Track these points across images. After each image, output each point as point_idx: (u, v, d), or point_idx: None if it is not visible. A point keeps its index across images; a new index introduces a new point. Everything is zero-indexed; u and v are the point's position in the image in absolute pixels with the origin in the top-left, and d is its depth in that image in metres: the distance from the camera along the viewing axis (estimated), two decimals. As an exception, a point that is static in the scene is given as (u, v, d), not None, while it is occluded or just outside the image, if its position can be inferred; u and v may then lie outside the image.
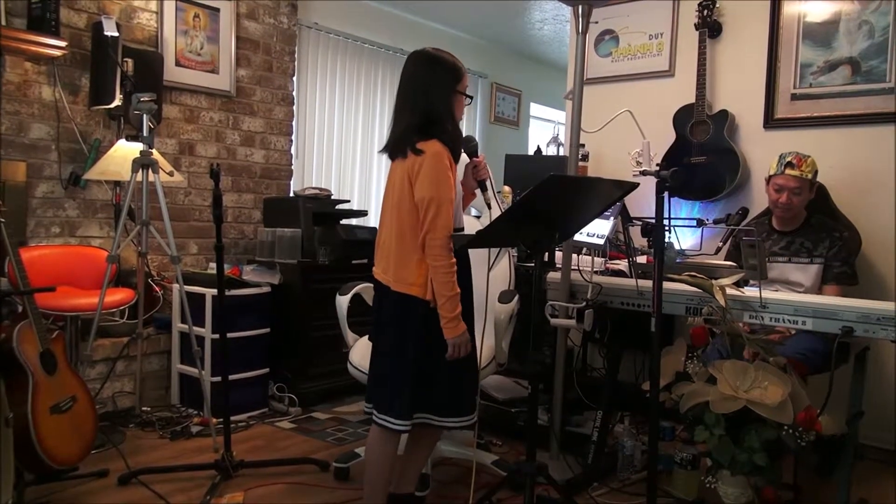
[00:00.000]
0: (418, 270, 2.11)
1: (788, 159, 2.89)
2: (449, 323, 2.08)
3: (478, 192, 2.38)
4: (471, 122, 6.60)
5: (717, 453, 2.29)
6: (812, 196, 2.93)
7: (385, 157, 2.25)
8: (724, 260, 3.05)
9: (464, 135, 2.30)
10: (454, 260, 2.08)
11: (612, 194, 2.30)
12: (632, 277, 2.78)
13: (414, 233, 2.10)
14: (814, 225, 2.96)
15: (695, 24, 3.70)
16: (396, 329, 2.17)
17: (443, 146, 2.09)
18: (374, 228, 4.24)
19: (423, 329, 2.12)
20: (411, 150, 2.08)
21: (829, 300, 2.44)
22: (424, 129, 2.10)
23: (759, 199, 3.40)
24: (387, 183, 2.23)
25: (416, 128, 2.11)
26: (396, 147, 2.15)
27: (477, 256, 2.84)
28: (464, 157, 2.33)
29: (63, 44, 3.33)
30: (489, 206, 2.35)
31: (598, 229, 2.71)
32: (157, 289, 3.74)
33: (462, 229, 2.28)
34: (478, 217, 3.09)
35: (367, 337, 2.80)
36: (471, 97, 2.25)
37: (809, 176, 2.86)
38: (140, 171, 3.08)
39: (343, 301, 2.85)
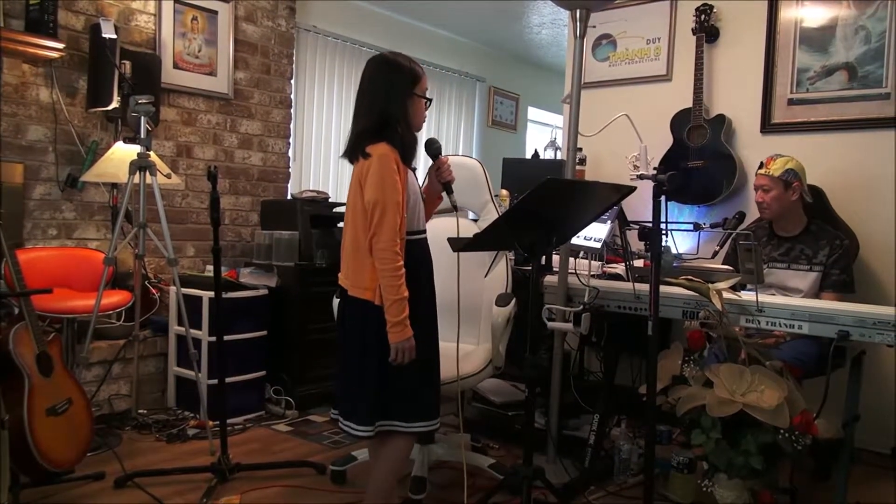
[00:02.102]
0: (371, 275, 2.10)
1: (761, 161, 2.97)
2: (394, 327, 2.07)
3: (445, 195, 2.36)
4: (468, 126, 6.61)
5: (714, 457, 2.30)
6: (793, 195, 2.91)
7: None
8: (722, 264, 3.06)
9: (431, 137, 2.31)
10: (401, 263, 2.07)
11: (609, 198, 2.31)
12: (629, 281, 2.78)
13: (366, 237, 2.10)
14: (814, 232, 2.96)
15: (692, 29, 3.71)
16: (355, 334, 2.17)
17: (390, 148, 2.09)
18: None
19: (381, 334, 2.10)
20: (361, 154, 2.10)
21: (826, 304, 2.45)
22: (376, 132, 2.11)
23: (755, 203, 3.41)
24: (348, 189, 2.22)
25: (369, 132, 2.12)
26: (352, 152, 2.16)
27: (472, 259, 2.85)
28: (429, 161, 2.33)
29: (61, 46, 3.33)
30: (455, 209, 2.34)
31: (595, 233, 2.72)
32: (153, 291, 3.74)
33: (423, 232, 2.27)
34: (475, 220, 3.09)
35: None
36: (429, 99, 2.25)
37: (777, 173, 2.88)
38: (137, 173, 3.08)
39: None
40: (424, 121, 2.27)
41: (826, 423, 2.41)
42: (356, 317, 2.17)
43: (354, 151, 2.14)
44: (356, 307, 2.15)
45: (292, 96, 4.68)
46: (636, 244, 3.39)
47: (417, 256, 2.18)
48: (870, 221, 3.28)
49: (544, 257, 3.25)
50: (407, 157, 2.16)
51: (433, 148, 2.31)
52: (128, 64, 3.51)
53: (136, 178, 3.09)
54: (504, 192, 3.92)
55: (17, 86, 3.34)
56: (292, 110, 4.70)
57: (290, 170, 4.71)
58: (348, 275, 2.19)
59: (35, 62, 3.39)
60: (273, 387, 3.75)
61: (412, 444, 2.31)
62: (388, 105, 2.13)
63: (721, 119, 3.64)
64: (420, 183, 2.32)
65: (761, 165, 2.96)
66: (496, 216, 2.91)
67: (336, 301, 2.84)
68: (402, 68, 2.17)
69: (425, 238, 2.27)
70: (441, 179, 2.32)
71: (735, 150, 3.64)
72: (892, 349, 2.59)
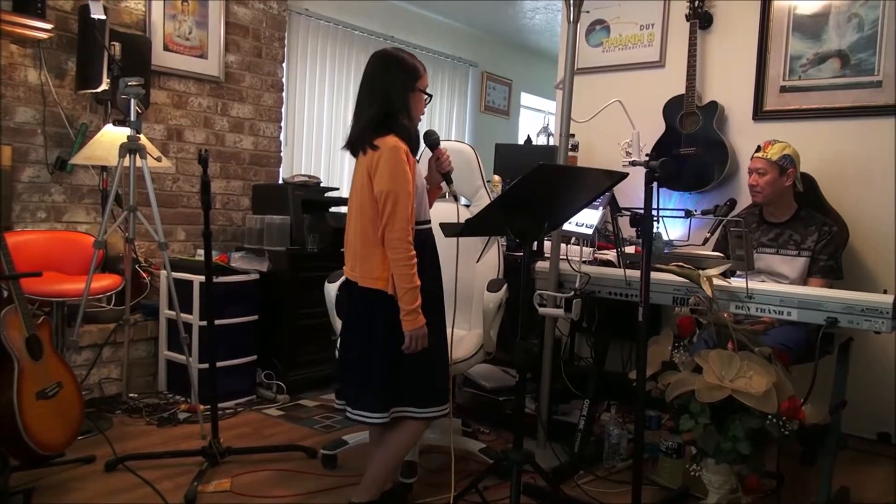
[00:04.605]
0: (382, 265, 2.14)
1: (759, 144, 2.97)
2: (408, 315, 2.12)
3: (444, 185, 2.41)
4: (461, 112, 6.58)
5: (702, 442, 2.31)
6: (787, 181, 2.92)
7: None
8: (713, 251, 3.07)
9: (429, 128, 2.37)
10: (413, 252, 2.11)
11: (601, 184, 2.31)
12: (620, 267, 2.79)
13: (375, 227, 2.13)
14: (803, 218, 2.98)
15: (686, 15, 3.70)
16: (366, 324, 2.21)
17: (399, 140, 2.13)
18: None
19: (392, 322, 2.15)
20: (369, 146, 2.13)
21: (815, 291, 2.46)
22: (381, 124, 2.15)
23: (747, 191, 3.41)
24: (352, 182, 2.26)
25: (373, 124, 2.16)
26: (356, 144, 2.20)
27: (463, 245, 2.85)
28: (428, 152, 2.37)
29: (49, 26, 3.29)
30: (455, 199, 2.39)
31: (586, 219, 2.72)
32: (144, 275, 3.72)
33: (428, 222, 2.31)
34: (467, 206, 3.09)
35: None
36: (430, 95, 2.30)
37: (774, 158, 2.89)
38: (127, 156, 3.05)
39: (332, 289, 2.84)
40: (422, 117, 2.31)
41: (813, 408, 2.43)
42: (366, 306, 2.20)
43: (361, 143, 2.17)
44: (366, 297, 2.18)
45: (284, 80, 4.64)
46: (627, 230, 3.41)
47: (424, 246, 2.21)
48: (860, 209, 3.30)
49: (536, 243, 3.25)
50: (412, 148, 2.20)
51: (432, 139, 2.35)
52: (117, 45, 3.47)
53: (126, 162, 3.07)
54: (496, 177, 3.91)
55: (4, 67, 3.30)
56: (284, 94, 4.66)
57: (282, 154, 4.68)
58: (356, 267, 2.22)
59: (23, 43, 3.34)
60: (264, 371, 3.76)
61: (423, 429, 2.35)
62: (390, 99, 2.17)
63: (713, 106, 3.64)
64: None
65: (758, 149, 2.95)
66: (488, 202, 2.91)
67: (329, 286, 2.86)
68: (405, 64, 2.21)
69: (431, 228, 2.31)
70: (441, 170, 2.36)
71: (727, 137, 3.64)
72: (879, 336, 2.62)
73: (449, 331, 2.37)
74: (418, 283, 2.11)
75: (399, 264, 2.10)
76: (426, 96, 2.27)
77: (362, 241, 2.18)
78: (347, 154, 2.28)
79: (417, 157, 2.26)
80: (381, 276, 2.14)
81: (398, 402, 2.22)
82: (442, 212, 2.66)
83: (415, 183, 2.15)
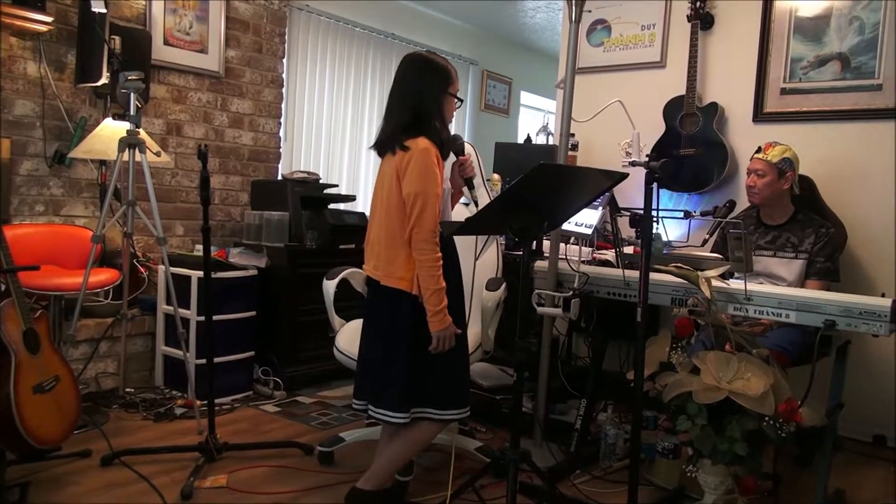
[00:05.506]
0: (407, 265, 2.15)
1: (759, 145, 2.97)
2: (434, 316, 2.13)
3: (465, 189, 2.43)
4: (461, 110, 6.56)
5: (699, 443, 2.32)
6: (785, 184, 2.92)
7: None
8: (711, 252, 3.07)
9: (455, 133, 2.37)
10: (440, 254, 2.12)
11: (600, 184, 2.31)
12: (619, 267, 2.79)
13: (402, 228, 2.14)
14: (801, 220, 2.98)
15: (687, 16, 3.70)
16: (388, 323, 2.22)
17: (430, 143, 2.14)
18: (363, 213, 4.24)
19: (415, 322, 2.16)
20: (399, 147, 2.14)
21: (813, 294, 2.46)
22: (413, 127, 2.16)
23: (745, 188, 3.42)
24: (376, 181, 2.28)
25: (404, 126, 2.17)
26: (386, 144, 2.21)
27: (464, 244, 2.85)
28: (451, 156, 2.37)
29: (49, 19, 3.28)
30: (476, 204, 2.40)
31: (586, 219, 2.72)
32: (142, 270, 3.72)
33: None
34: (466, 205, 3.09)
35: (353, 322, 2.82)
36: (461, 100, 2.32)
37: (774, 160, 2.89)
38: (126, 150, 3.05)
39: (330, 286, 2.85)
40: (452, 119, 2.33)
41: (810, 410, 2.43)
42: (389, 306, 2.21)
43: (391, 144, 2.18)
44: (388, 296, 2.19)
45: (284, 76, 4.64)
46: (627, 231, 3.41)
47: (446, 248, 2.22)
48: (859, 212, 3.30)
49: (535, 242, 3.25)
50: (444, 151, 2.21)
51: (457, 145, 2.36)
52: (117, 39, 3.46)
53: (125, 156, 3.06)
54: (496, 176, 3.91)
55: (4, 59, 3.29)
56: (284, 90, 4.65)
57: (281, 150, 4.68)
58: (380, 266, 2.23)
59: (23, 35, 3.33)
60: (261, 367, 3.75)
61: (439, 431, 2.35)
62: (423, 102, 2.19)
63: (714, 107, 3.64)
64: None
65: (759, 150, 2.95)
66: (488, 200, 2.91)
67: (327, 283, 2.86)
68: (438, 67, 2.23)
69: (453, 222, 2.31)
70: (464, 175, 2.37)
71: (727, 138, 3.64)
72: (876, 339, 2.62)
73: (468, 330, 2.38)
74: (443, 284, 2.12)
75: (425, 266, 2.11)
76: (457, 100, 2.28)
77: (388, 241, 2.18)
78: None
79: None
80: (406, 277, 2.15)
81: (420, 402, 2.22)
82: (462, 215, 2.67)
83: (442, 186, 2.16)
